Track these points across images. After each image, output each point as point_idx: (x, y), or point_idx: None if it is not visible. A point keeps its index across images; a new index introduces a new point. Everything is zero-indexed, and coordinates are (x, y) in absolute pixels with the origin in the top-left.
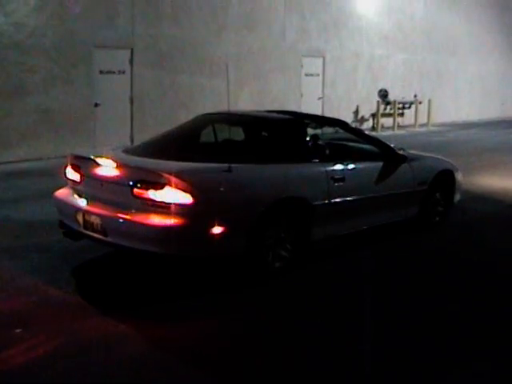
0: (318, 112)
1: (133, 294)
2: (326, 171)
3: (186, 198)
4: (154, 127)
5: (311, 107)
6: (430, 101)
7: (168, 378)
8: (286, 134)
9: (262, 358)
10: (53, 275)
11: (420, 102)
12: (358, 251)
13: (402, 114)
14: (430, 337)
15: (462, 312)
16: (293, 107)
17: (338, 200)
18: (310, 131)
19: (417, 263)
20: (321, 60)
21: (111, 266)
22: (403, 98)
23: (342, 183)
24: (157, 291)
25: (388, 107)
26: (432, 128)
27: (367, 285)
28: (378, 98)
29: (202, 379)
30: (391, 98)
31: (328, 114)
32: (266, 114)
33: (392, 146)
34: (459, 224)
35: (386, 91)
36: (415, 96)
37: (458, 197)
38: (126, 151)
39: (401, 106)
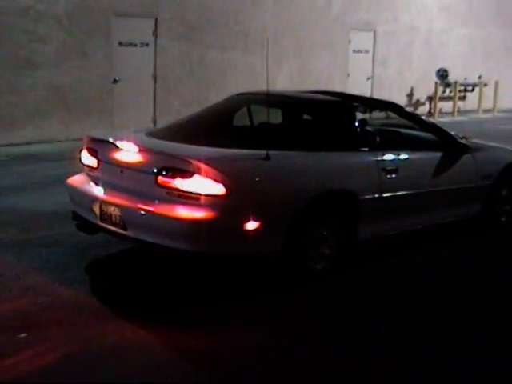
0: (367, 94)
1: (155, 295)
2: (377, 161)
3: (217, 189)
4: (180, 108)
5: (359, 88)
6: (496, 83)
7: None
8: (332, 118)
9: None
10: (64, 273)
11: (485, 85)
12: (409, 255)
13: (463, 98)
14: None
15: None
16: (338, 88)
17: (389, 194)
18: (358, 116)
19: (475, 270)
20: (371, 34)
21: (130, 264)
22: (465, 79)
23: (394, 175)
24: (181, 293)
25: (448, 89)
26: (498, 114)
27: (419, 295)
28: (436, 79)
29: None
30: (451, 78)
31: (378, 97)
32: (308, 94)
33: (453, 133)
34: None
35: (445, 71)
36: (479, 77)
37: None
38: (150, 134)
39: (462, 88)
